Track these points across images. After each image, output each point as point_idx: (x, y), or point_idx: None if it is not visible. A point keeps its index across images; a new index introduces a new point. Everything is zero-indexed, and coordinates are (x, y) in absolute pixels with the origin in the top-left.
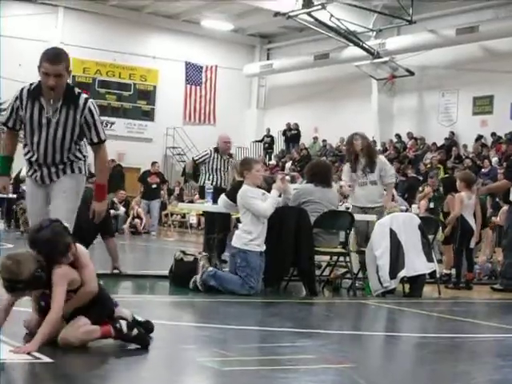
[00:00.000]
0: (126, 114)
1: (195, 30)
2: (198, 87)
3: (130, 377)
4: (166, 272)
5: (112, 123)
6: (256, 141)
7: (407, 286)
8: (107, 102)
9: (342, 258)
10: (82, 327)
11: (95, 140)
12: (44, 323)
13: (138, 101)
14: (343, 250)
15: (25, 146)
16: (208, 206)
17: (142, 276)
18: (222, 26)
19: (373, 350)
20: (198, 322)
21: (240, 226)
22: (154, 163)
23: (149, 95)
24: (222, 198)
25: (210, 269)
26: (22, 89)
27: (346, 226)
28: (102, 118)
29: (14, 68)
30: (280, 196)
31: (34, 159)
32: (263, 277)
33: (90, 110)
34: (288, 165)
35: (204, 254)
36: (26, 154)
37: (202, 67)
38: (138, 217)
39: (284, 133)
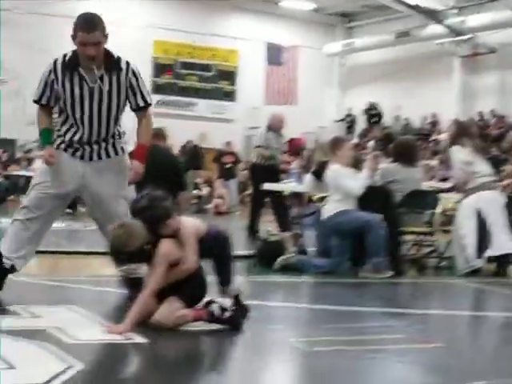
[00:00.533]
0: (207, 94)
1: (275, 10)
2: (279, 67)
3: (221, 357)
4: (251, 252)
5: (194, 104)
6: (337, 120)
7: (493, 266)
8: (189, 84)
9: (427, 237)
10: (177, 311)
11: (141, 104)
12: (137, 302)
13: (219, 81)
14: (429, 229)
15: (62, 124)
16: (293, 185)
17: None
18: (302, 5)
19: (460, 330)
20: (286, 302)
21: (328, 204)
22: (228, 143)
23: (230, 76)
24: (309, 177)
25: (293, 249)
26: (55, 61)
27: (431, 205)
28: (184, 99)
29: None
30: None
31: (76, 138)
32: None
33: (134, 73)
34: (370, 144)
35: (289, 233)
36: (63, 135)
37: (282, 47)
38: (222, 197)
39: (365, 112)
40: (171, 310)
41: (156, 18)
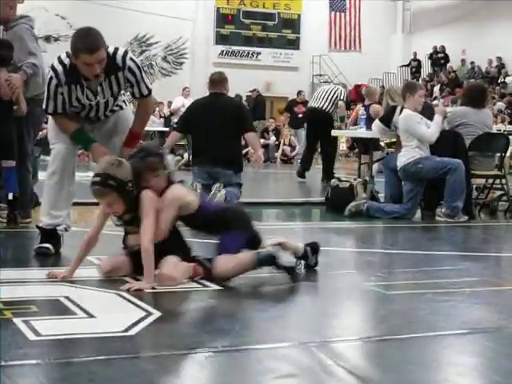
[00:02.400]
0: (271, 43)
1: None
2: (343, 13)
3: (296, 301)
4: (321, 199)
5: (258, 53)
6: (403, 65)
7: None
8: (252, 33)
9: (497, 181)
10: (178, 264)
11: (139, 95)
12: (143, 257)
13: (282, 30)
14: (499, 173)
15: None
16: (361, 131)
17: (299, 203)
18: None
19: None
20: (358, 247)
21: (403, 150)
22: (299, 92)
23: (293, 24)
24: (377, 123)
25: (364, 195)
26: (54, 68)
27: (501, 148)
28: (248, 48)
29: (158, 2)
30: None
31: (82, 115)
32: (421, 200)
33: (130, 69)
34: (436, 89)
35: (359, 180)
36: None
37: None
38: (290, 145)
39: (431, 56)
40: (173, 263)
41: None
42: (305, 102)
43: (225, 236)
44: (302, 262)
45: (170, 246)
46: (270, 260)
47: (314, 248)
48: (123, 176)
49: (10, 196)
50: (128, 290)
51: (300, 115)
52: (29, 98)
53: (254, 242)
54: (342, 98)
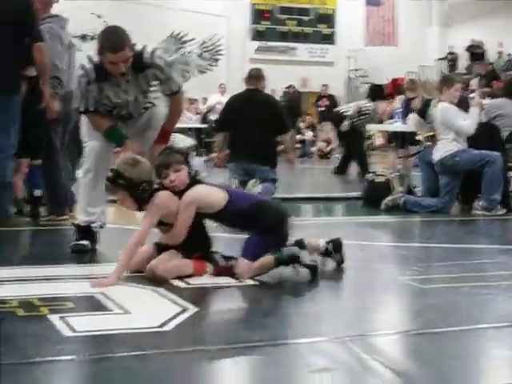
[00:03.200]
0: (306, 38)
1: None
2: (378, 7)
3: (333, 295)
4: (357, 194)
5: (293, 49)
6: (439, 58)
7: None
8: (288, 28)
9: None
10: (172, 260)
11: (170, 91)
12: (124, 254)
13: (318, 25)
14: None
15: None
16: (397, 125)
17: (334, 198)
18: None
19: None
20: (394, 241)
21: (440, 143)
22: (324, 86)
23: (329, 18)
24: (413, 116)
25: (400, 189)
26: (85, 67)
27: None
28: (284, 43)
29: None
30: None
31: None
32: (458, 194)
33: (158, 66)
34: (473, 82)
35: (396, 174)
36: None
37: None
38: (327, 141)
39: (468, 49)
40: (166, 258)
41: None
42: (329, 96)
43: (253, 236)
44: (328, 259)
45: (184, 242)
46: (293, 259)
47: (336, 245)
48: (135, 176)
49: (37, 193)
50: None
51: (323, 108)
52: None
53: (282, 242)
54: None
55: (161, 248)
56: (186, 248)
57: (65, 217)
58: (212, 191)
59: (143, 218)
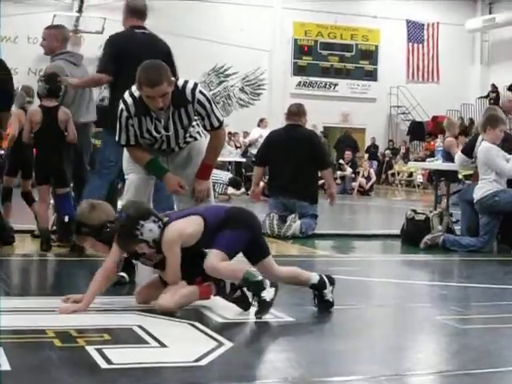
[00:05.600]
0: (348, 74)
1: None
2: (420, 45)
3: (366, 334)
4: (397, 231)
5: (335, 84)
6: (481, 97)
7: None
8: (330, 64)
9: None
10: (180, 290)
11: (210, 127)
12: (92, 282)
13: (360, 61)
14: None
15: None
16: (439, 163)
17: (373, 235)
18: None
19: None
20: (433, 280)
21: (481, 183)
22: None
23: (371, 55)
24: (459, 154)
25: (440, 228)
26: (126, 102)
27: None
28: (326, 79)
29: (236, 33)
30: None
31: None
32: (498, 234)
33: (200, 102)
34: None
35: (435, 212)
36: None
37: (423, 24)
38: (367, 177)
39: (510, 88)
40: (173, 291)
41: (296, 0)
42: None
43: (225, 231)
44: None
45: (183, 271)
46: (256, 289)
47: (330, 279)
48: (96, 220)
49: (66, 218)
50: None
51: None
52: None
53: (256, 237)
54: None
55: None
56: (186, 277)
57: None
58: (186, 223)
59: (113, 247)
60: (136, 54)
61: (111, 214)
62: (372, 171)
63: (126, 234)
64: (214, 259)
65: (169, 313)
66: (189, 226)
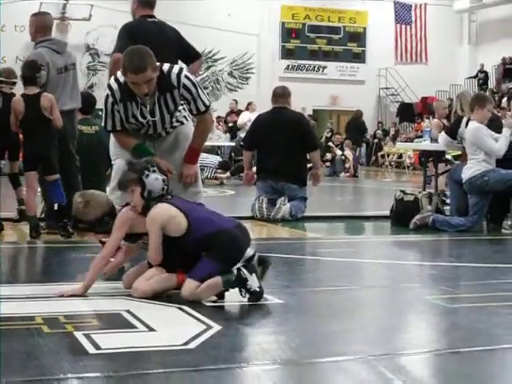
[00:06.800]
0: (337, 57)
1: None
2: (408, 26)
3: (357, 315)
4: (386, 212)
5: (324, 67)
6: (469, 77)
7: None
8: (318, 47)
9: None
10: (155, 276)
11: (196, 111)
12: (91, 267)
13: (348, 43)
14: None
15: None
16: (426, 144)
17: (363, 217)
18: None
19: None
20: (423, 260)
21: (469, 163)
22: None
23: (359, 37)
24: (442, 135)
25: (429, 208)
26: (111, 87)
27: None
28: (314, 62)
29: (224, 17)
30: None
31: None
32: (487, 213)
33: (185, 86)
34: (504, 100)
35: (424, 192)
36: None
37: (411, 6)
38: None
39: (499, 68)
40: (149, 275)
41: None
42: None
43: (206, 259)
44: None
45: (165, 258)
46: (239, 283)
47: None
48: (92, 215)
49: (56, 206)
50: (63, 296)
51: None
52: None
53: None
54: None
55: (151, 266)
56: (168, 264)
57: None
58: (173, 211)
59: (112, 232)
60: (149, 42)
61: (106, 205)
62: (348, 153)
63: (135, 169)
64: (190, 289)
65: (157, 297)
66: (173, 216)
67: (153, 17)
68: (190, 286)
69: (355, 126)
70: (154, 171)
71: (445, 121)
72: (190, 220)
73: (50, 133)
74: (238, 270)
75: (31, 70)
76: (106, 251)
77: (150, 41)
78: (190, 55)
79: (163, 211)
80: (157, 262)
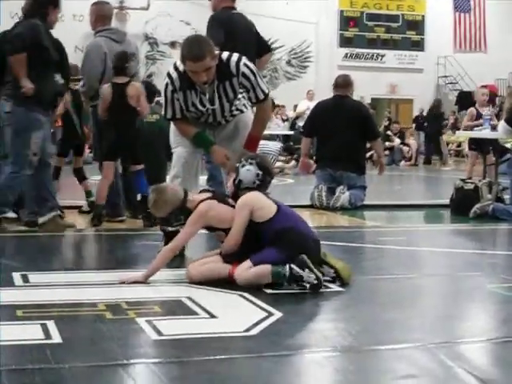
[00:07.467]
0: (395, 45)
1: None
2: (467, 14)
3: (417, 303)
4: (446, 201)
5: (382, 55)
6: None
7: None
8: (376, 35)
9: None
10: (210, 263)
11: (256, 99)
12: (159, 256)
13: (407, 31)
14: None
15: None
16: (486, 132)
17: (423, 205)
18: None
19: None
20: (482, 249)
21: None
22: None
23: (417, 25)
24: (502, 123)
25: (489, 196)
26: (171, 76)
27: None
28: (372, 51)
29: (282, 6)
30: None
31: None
32: None
33: (244, 74)
34: None
35: (484, 181)
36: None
37: None
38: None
39: None
40: (202, 262)
41: None
42: None
43: (271, 249)
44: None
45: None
46: (295, 281)
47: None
48: (162, 213)
49: (139, 197)
50: (124, 283)
51: None
52: None
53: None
54: None
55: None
56: (229, 255)
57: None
58: (263, 199)
59: (185, 227)
60: (238, 34)
61: (177, 200)
62: (413, 142)
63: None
64: (241, 268)
65: (219, 284)
66: (263, 202)
67: (234, 8)
68: (243, 265)
69: (433, 117)
70: (250, 164)
71: (486, 109)
72: (279, 208)
73: (135, 122)
74: (290, 268)
75: (121, 61)
76: (174, 243)
77: (238, 32)
78: (263, 48)
79: (254, 197)
80: (233, 249)
